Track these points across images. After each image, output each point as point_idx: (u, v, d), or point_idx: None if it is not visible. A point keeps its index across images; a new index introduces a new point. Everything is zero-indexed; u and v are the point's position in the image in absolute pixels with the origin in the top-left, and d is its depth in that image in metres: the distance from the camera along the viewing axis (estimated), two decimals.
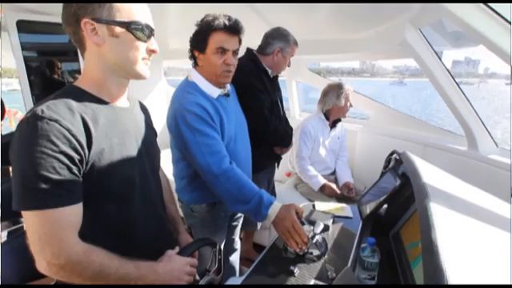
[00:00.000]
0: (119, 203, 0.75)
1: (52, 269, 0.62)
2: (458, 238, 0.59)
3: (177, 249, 0.88)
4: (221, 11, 1.14)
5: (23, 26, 2.23)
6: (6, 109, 3.16)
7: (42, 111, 0.61)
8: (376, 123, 2.63)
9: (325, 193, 2.12)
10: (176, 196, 1.30)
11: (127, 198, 0.76)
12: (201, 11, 1.16)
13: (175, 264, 0.80)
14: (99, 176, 0.68)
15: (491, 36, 1.21)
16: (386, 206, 1.22)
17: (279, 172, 2.08)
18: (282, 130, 1.69)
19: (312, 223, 1.10)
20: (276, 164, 1.88)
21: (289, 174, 2.70)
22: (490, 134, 1.75)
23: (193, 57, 1.20)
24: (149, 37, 0.75)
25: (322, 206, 1.52)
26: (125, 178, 0.75)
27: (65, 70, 2.60)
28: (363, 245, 0.92)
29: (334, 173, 2.35)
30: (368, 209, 1.26)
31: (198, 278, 0.88)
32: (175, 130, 1.13)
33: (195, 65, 1.22)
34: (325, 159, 2.28)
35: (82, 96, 0.71)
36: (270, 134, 1.60)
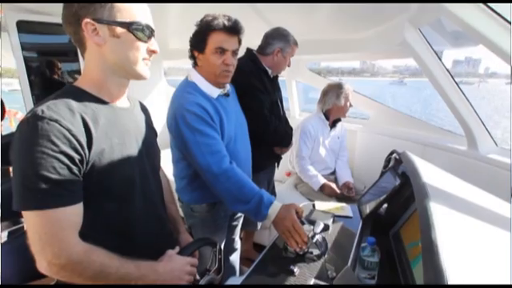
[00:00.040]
0: (119, 203, 0.75)
1: (52, 269, 0.62)
2: (458, 238, 0.59)
3: (177, 248, 0.88)
4: (221, 11, 1.14)
5: (23, 26, 2.22)
6: (7, 109, 3.16)
7: (43, 111, 0.61)
8: (376, 123, 2.64)
9: (325, 192, 2.12)
10: (176, 196, 1.30)
11: (127, 197, 0.76)
12: (201, 11, 1.16)
13: (175, 264, 0.80)
14: (99, 176, 0.69)
15: (491, 36, 1.21)
16: (385, 205, 1.23)
17: (279, 172, 2.08)
18: (282, 129, 1.69)
19: (312, 223, 1.10)
20: (276, 164, 1.88)
21: (289, 174, 2.70)
22: (489, 134, 1.75)
23: (192, 57, 1.20)
24: (149, 37, 0.75)
25: (321, 205, 1.52)
26: (125, 178, 0.75)
27: (65, 70, 2.60)
28: (363, 244, 0.92)
29: (333, 172, 2.35)
30: (368, 208, 1.26)
31: (198, 277, 0.88)
32: (175, 130, 1.13)
33: (195, 65, 1.22)
34: (325, 159, 2.28)
35: (82, 96, 0.71)
36: (269, 134, 1.60)
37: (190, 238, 1.05)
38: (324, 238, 1.11)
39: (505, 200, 0.81)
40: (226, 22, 1.09)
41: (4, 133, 2.78)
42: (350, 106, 2.20)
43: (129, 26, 0.70)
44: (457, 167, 1.77)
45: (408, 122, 2.43)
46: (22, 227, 1.33)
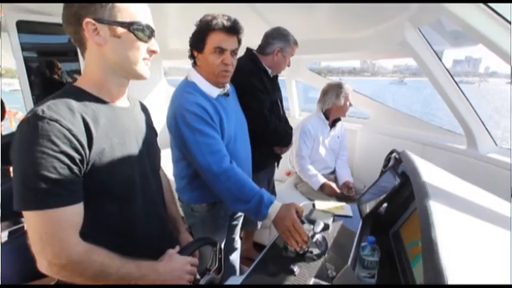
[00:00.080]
0: (120, 203, 0.75)
1: (53, 268, 0.62)
2: (457, 237, 0.60)
3: (177, 248, 0.88)
4: (221, 11, 1.14)
5: (23, 27, 2.22)
6: (7, 109, 3.16)
7: (43, 111, 0.61)
8: (376, 122, 2.64)
9: (325, 192, 2.12)
10: (176, 195, 1.30)
11: (128, 197, 0.77)
12: (201, 11, 1.16)
13: (176, 263, 0.81)
14: (100, 176, 0.69)
15: (491, 36, 1.21)
16: (385, 204, 1.23)
17: (279, 171, 2.08)
18: (282, 129, 1.69)
19: (312, 222, 1.10)
20: (276, 163, 1.88)
21: (289, 174, 2.70)
22: (489, 133, 1.75)
23: (192, 56, 1.20)
24: (149, 37, 0.75)
25: (321, 205, 1.52)
26: (125, 178, 0.75)
27: (64, 70, 2.60)
28: (363, 243, 0.92)
29: (333, 172, 2.35)
30: (368, 208, 1.26)
31: (198, 277, 0.89)
32: (175, 130, 1.13)
33: (194, 64, 1.22)
34: (324, 158, 2.28)
35: (83, 96, 0.71)
36: (269, 133, 1.60)
37: (190, 237, 1.05)
38: (324, 238, 1.11)
39: (504, 199, 0.81)
40: (225, 22, 1.09)
41: (4, 133, 2.79)
42: (350, 105, 2.20)
43: (129, 25, 0.70)
44: (456, 166, 1.78)
45: (408, 121, 2.43)
46: (23, 227, 1.33)
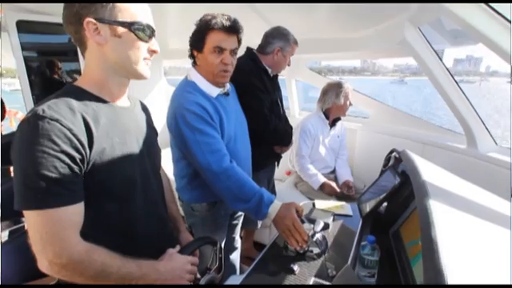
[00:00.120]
0: (121, 203, 0.75)
1: (54, 268, 0.62)
2: (457, 236, 0.60)
3: (178, 247, 0.88)
4: (221, 11, 1.14)
5: (23, 26, 2.22)
6: (7, 109, 3.16)
7: (43, 111, 0.61)
8: (376, 122, 2.64)
9: (325, 191, 2.12)
10: (176, 195, 1.30)
11: (129, 197, 0.77)
12: (201, 11, 1.16)
13: (176, 263, 0.81)
14: (100, 175, 0.69)
15: (491, 35, 1.21)
16: (385, 204, 1.23)
17: (279, 171, 2.08)
18: (282, 128, 1.69)
19: (312, 221, 1.10)
20: (276, 163, 1.88)
21: (289, 173, 2.70)
22: (489, 132, 1.75)
23: (192, 56, 1.20)
24: (150, 37, 0.75)
25: (321, 204, 1.52)
26: (126, 178, 0.75)
27: (64, 70, 2.60)
28: (363, 243, 0.93)
29: (333, 171, 2.35)
30: (368, 207, 1.26)
31: (198, 276, 0.89)
32: (175, 130, 1.14)
33: (194, 64, 1.22)
34: (324, 158, 2.28)
35: (83, 96, 0.71)
36: (269, 133, 1.60)
37: (191, 236, 1.06)
38: (324, 237, 1.11)
39: (504, 198, 0.81)
40: (225, 22, 1.09)
41: (4, 132, 2.79)
42: (350, 104, 2.20)
43: (130, 25, 0.70)
44: (456, 166, 1.78)
45: (408, 120, 2.43)
46: (23, 226, 1.33)
